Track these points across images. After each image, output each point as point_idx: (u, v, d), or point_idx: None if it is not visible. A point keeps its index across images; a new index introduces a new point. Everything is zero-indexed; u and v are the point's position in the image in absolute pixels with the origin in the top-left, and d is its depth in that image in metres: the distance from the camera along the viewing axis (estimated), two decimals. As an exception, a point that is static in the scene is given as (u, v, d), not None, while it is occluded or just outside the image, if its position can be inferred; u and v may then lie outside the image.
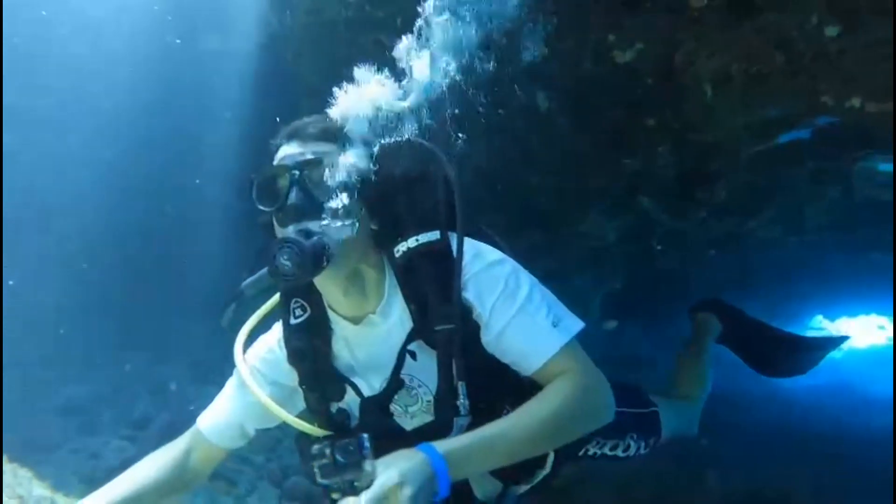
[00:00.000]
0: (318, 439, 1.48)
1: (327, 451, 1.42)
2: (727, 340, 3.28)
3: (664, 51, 3.51)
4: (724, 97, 3.64)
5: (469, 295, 1.59)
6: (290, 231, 1.51)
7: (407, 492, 1.30)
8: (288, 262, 1.40)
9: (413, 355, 1.66)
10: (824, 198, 5.48)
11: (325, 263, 1.45)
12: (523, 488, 1.86)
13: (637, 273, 8.85)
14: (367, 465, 1.39)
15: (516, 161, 5.07)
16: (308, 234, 1.47)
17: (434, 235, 1.62)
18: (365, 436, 1.42)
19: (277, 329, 1.81)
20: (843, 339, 3.42)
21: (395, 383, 1.69)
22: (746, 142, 4.13)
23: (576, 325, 1.64)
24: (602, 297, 9.72)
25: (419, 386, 1.69)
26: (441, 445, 1.42)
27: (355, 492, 1.35)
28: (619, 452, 2.25)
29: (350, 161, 1.52)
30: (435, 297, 1.58)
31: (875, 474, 5.22)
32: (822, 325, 13.44)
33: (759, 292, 9.73)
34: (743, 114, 3.73)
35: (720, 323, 3.26)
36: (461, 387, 1.58)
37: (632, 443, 2.29)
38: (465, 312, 1.58)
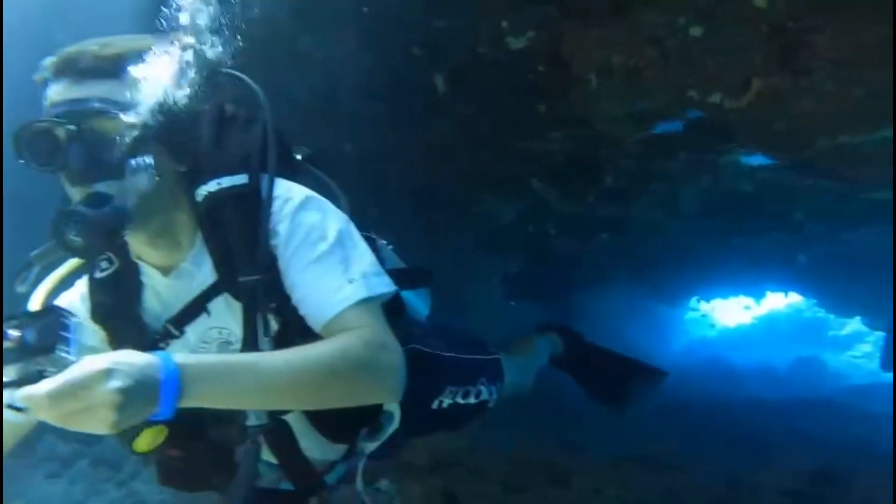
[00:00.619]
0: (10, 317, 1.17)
1: (15, 330, 1.10)
2: (564, 363, 3.30)
3: (553, 39, 3.71)
4: (607, 88, 3.91)
5: (277, 242, 1.46)
6: (77, 196, 1.32)
7: (114, 384, 1.03)
8: (77, 238, 1.24)
9: (208, 311, 1.53)
10: (697, 186, 5.98)
11: (122, 230, 1.31)
12: (371, 446, 1.74)
13: (535, 255, 9.25)
14: (67, 353, 1.10)
15: (415, 143, 5.18)
16: (98, 199, 1.28)
17: (241, 178, 1.47)
18: (73, 318, 1.21)
19: (82, 284, 1.63)
20: (664, 375, 3.65)
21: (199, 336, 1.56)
22: (628, 131, 4.44)
23: (379, 286, 1.49)
24: (502, 276, 10.11)
25: (232, 342, 1.55)
26: (180, 356, 1.20)
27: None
28: (472, 399, 2.21)
29: (142, 100, 1.32)
30: (239, 245, 1.45)
31: (740, 436, 5.89)
32: (699, 307, 14.59)
33: (644, 274, 10.48)
34: (623, 104, 4.02)
35: (562, 344, 3.30)
36: (267, 343, 1.45)
37: (483, 388, 2.27)
38: (272, 262, 1.46)
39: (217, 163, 1.49)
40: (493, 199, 6.18)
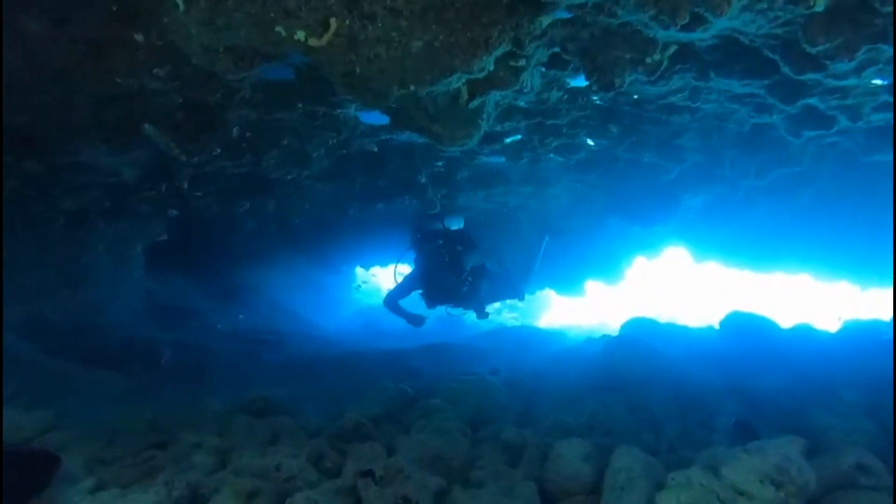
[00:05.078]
0: None
1: None
2: None
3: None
4: (194, 13, 3.65)
5: None
6: None
7: None
8: None
9: None
10: (325, 143, 6.14)
11: None
12: None
13: (178, 219, 8.50)
14: None
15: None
16: None
17: None
18: None
19: None
20: None
21: None
22: (233, 71, 4.23)
23: None
24: (145, 248, 9.08)
25: None
26: None
27: None
28: None
29: None
30: None
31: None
32: (358, 276, 15.48)
33: (297, 239, 10.57)
34: (216, 35, 3.80)
35: None
36: None
37: None
38: None
39: None
40: (98, 146, 5.35)
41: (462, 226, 8.37)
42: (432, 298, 7.79)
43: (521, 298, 8.57)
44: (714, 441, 3.54)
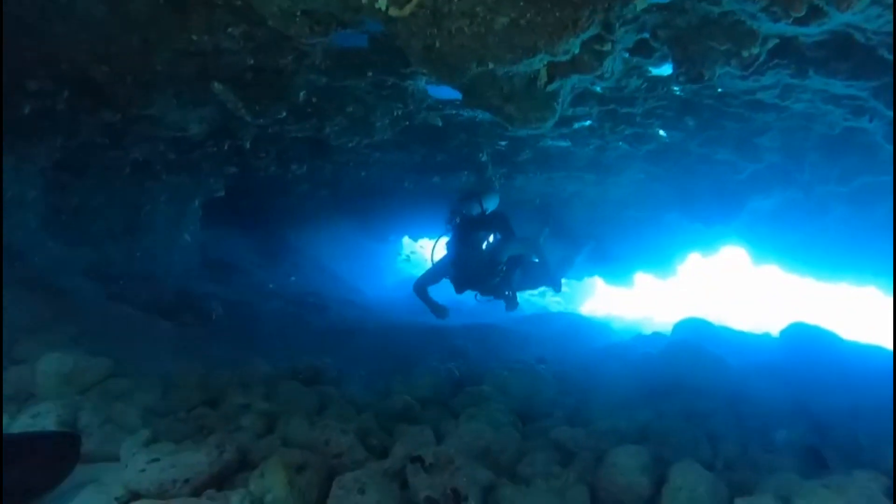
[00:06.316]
0: None
1: None
2: None
3: None
4: (275, -25, 3.57)
5: None
6: None
7: None
8: None
9: None
10: (389, 113, 6.04)
11: None
12: None
13: (236, 177, 8.60)
14: None
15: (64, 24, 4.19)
16: None
17: None
18: None
19: None
20: None
21: None
22: (308, 35, 4.15)
23: None
24: (203, 203, 9.26)
25: None
26: None
27: None
28: None
29: None
30: None
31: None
32: (405, 247, 15.48)
33: (349, 205, 10.57)
34: (294, -2, 3.71)
35: None
36: None
37: None
38: None
39: None
40: (169, 100, 5.39)
41: (497, 205, 7.67)
42: (461, 284, 7.23)
43: (558, 290, 7.85)
44: (777, 464, 3.36)
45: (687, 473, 2.82)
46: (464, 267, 6.94)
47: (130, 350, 5.34)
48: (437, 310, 7.43)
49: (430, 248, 7.87)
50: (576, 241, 10.01)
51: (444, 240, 7.39)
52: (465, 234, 6.92)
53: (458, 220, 7.01)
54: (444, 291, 7.52)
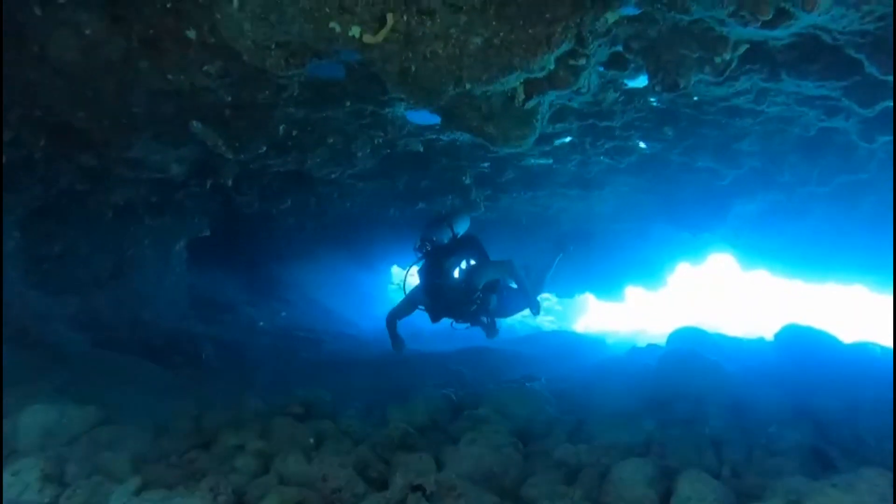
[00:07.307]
0: None
1: None
2: None
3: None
4: (248, 8, 3.59)
5: None
6: None
7: None
8: None
9: None
10: (370, 142, 6.05)
11: None
12: None
13: (220, 215, 8.55)
14: None
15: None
16: None
17: None
18: None
19: None
20: None
21: None
22: (284, 68, 4.15)
23: None
24: (188, 243, 9.18)
25: None
26: None
27: None
28: None
29: None
30: None
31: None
32: (394, 275, 15.42)
33: (336, 236, 10.53)
34: (269, 31, 3.73)
35: None
36: None
37: None
38: None
39: None
40: (149, 142, 5.36)
41: (468, 228, 7.24)
42: (436, 313, 6.69)
43: (537, 313, 7.42)
44: (784, 467, 3.31)
45: (694, 483, 2.76)
46: (437, 295, 6.53)
47: (119, 396, 5.21)
48: (396, 344, 6.95)
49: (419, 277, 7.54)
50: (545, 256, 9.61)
51: (415, 268, 6.90)
52: (436, 261, 6.48)
53: (428, 247, 6.67)
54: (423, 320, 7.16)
